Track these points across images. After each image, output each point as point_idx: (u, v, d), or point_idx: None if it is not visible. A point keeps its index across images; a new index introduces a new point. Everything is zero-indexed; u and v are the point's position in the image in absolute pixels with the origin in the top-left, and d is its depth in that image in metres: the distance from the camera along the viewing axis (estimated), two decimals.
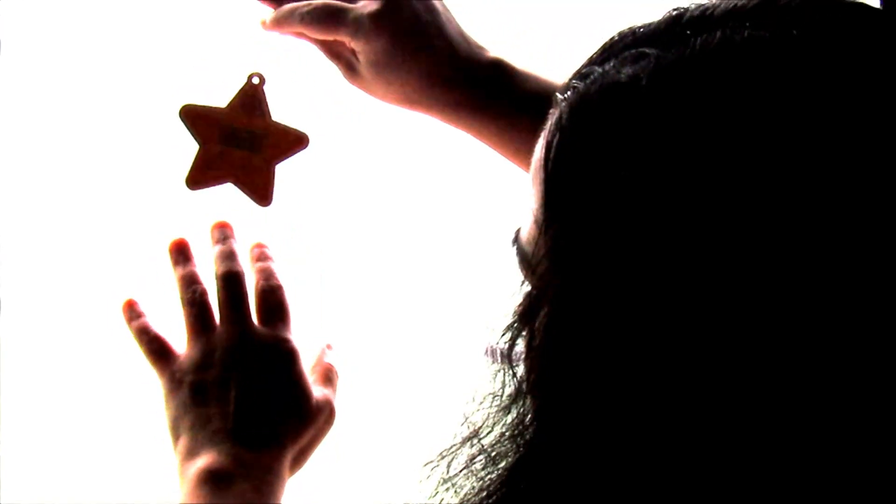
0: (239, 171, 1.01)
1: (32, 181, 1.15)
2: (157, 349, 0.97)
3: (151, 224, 1.12)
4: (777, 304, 0.57)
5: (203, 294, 0.97)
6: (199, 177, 1.01)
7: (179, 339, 0.98)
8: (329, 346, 1.01)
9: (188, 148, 1.03)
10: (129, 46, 1.12)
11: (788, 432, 0.59)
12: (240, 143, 1.01)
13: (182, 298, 0.98)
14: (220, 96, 1.04)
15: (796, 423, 0.58)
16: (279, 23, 1.00)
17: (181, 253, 1.00)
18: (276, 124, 1.02)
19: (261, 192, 1.01)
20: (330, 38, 1.00)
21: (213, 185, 1.01)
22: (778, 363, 0.58)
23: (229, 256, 0.98)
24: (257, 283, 0.98)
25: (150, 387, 1.10)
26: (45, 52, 1.15)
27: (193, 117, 1.01)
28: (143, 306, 1.00)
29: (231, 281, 0.97)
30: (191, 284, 0.98)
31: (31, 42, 1.15)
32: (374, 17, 0.97)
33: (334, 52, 1.01)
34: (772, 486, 0.59)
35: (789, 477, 0.59)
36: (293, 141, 1.02)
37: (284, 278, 0.99)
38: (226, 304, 0.96)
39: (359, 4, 0.98)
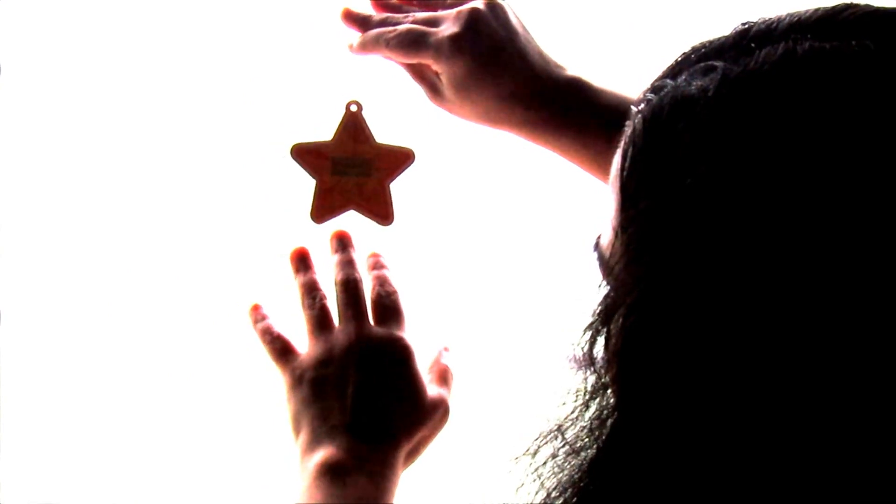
0: (357, 197, 1.05)
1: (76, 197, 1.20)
2: (279, 348, 1.01)
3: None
4: (858, 306, 0.59)
5: (323, 298, 1.02)
6: (322, 210, 1.05)
7: (301, 341, 1.02)
8: (447, 349, 1.05)
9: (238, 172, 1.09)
10: (215, 85, 1.17)
11: (871, 432, 0.60)
12: (352, 171, 1.05)
13: (303, 303, 1.03)
14: (301, 122, 1.08)
15: (879, 423, 0.60)
16: (365, 47, 1.04)
17: (302, 261, 1.05)
18: (382, 146, 1.06)
19: (381, 212, 1.05)
20: (414, 61, 1.03)
21: (336, 215, 1.06)
22: (858, 366, 0.60)
23: (349, 264, 1.03)
24: (373, 289, 1.03)
25: (149, 387, 1.14)
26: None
27: (304, 154, 1.05)
28: (266, 309, 1.05)
29: (350, 285, 1.02)
30: (312, 290, 1.03)
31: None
32: (455, 39, 1.00)
33: (419, 73, 1.05)
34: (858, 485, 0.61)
35: (873, 476, 0.61)
36: (401, 158, 1.05)
37: (399, 284, 1.03)
38: (345, 306, 1.01)
39: (440, 28, 1.01)
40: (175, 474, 1.20)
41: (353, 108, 1.06)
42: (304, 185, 1.10)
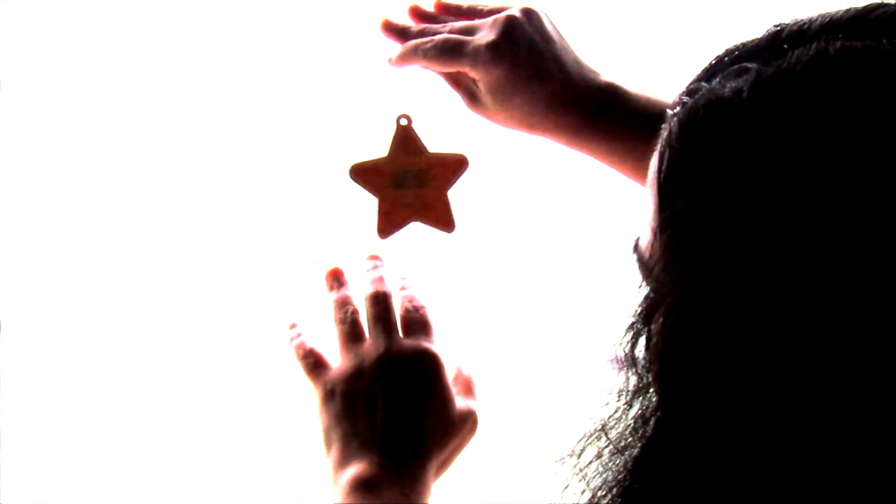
0: (418, 209, 1.06)
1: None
2: (312, 362, 1.02)
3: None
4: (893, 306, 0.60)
5: (355, 313, 1.03)
6: (386, 226, 1.06)
7: (333, 355, 1.03)
8: (465, 359, 1.05)
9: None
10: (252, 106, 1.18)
11: None
12: (410, 183, 1.06)
13: (336, 318, 1.03)
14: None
15: None
16: (404, 59, 1.05)
17: (336, 279, 1.06)
18: (436, 155, 1.07)
19: (443, 221, 1.06)
20: (452, 70, 1.04)
21: (400, 228, 1.07)
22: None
23: (379, 280, 1.04)
24: (402, 306, 1.03)
25: (149, 389, 1.15)
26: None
27: (362, 173, 1.06)
28: (302, 327, 1.06)
29: (379, 299, 1.02)
30: (344, 305, 1.03)
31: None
32: (492, 47, 1.01)
33: (456, 81, 1.06)
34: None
35: None
36: (455, 165, 1.06)
37: (427, 301, 1.04)
38: (374, 320, 1.01)
39: (477, 36, 1.02)
40: (175, 474, 1.20)
41: (404, 121, 1.07)
42: (304, 188, 1.10)
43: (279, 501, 1.24)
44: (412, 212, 1.06)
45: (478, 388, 1.03)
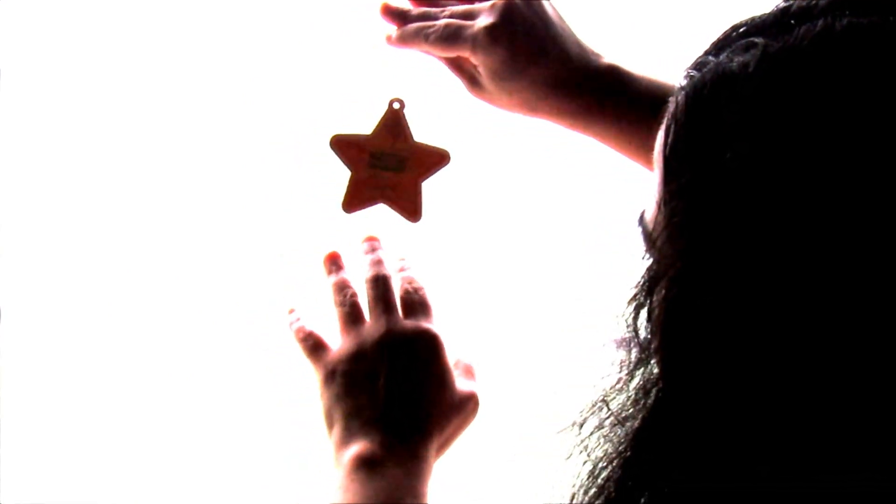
0: (389, 192, 1.07)
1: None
2: (312, 345, 1.02)
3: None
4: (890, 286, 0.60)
5: (354, 296, 1.04)
6: (353, 200, 1.07)
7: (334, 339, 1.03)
8: (464, 348, 1.05)
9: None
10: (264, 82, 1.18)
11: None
12: (387, 166, 1.06)
13: (335, 301, 1.04)
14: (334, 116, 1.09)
15: None
16: (404, 40, 1.06)
17: (334, 263, 1.07)
18: (419, 144, 1.07)
19: (410, 209, 1.07)
20: (452, 55, 1.05)
21: (366, 206, 1.07)
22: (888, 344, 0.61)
23: (378, 263, 1.05)
24: (402, 288, 1.04)
25: (149, 387, 1.14)
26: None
27: (343, 146, 1.07)
28: (300, 311, 1.06)
29: (379, 282, 1.03)
30: (343, 289, 1.04)
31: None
32: (490, 30, 1.01)
33: (457, 66, 1.06)
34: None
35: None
36: (436, 158, 1.07)
37: (426, 283, 1.05)
38: (374, 301, 1.02)
39: (476, 20, 1.03)
40: (175, 474, 1.19)
41: (396, 105, 1.08)
42: (301, 187, 1.10)
43: (279, 501, 1.24)
44: (381, 194, 1.07)
45: (478, 372, 1.03)
